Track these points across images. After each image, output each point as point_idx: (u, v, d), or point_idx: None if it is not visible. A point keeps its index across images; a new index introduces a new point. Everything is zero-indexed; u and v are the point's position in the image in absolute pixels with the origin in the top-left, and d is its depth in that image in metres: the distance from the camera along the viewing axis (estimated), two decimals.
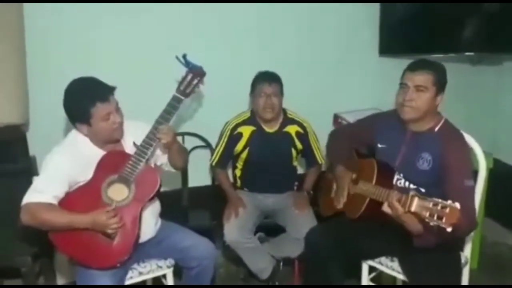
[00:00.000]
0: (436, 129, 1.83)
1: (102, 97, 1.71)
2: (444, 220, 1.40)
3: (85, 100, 1.70)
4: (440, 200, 1.44)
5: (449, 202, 1.41)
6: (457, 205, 1.40)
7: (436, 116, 1.85)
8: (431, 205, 1.44)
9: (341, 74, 3.04)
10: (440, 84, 1.79)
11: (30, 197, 1.70)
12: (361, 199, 1.86)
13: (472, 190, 1.75)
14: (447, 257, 1.78)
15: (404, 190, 1.67)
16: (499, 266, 2.72)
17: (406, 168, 1.87)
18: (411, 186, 1.85)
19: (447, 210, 1.40)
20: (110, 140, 1.82)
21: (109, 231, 1.72)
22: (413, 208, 1.50)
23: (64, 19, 2.48)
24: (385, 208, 1.64)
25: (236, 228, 2.30)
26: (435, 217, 1.42)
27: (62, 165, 1.74)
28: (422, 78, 1.76)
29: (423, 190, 1.80)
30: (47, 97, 2.42)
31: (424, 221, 1.47)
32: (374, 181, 1.83)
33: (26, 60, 2.33)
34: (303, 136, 2.47)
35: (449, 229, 1.40)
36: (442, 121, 1.85)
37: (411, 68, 1.81)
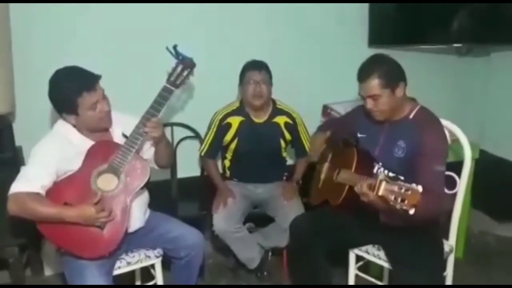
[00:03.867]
0: (411, 116, 1.85)
1: (88, 86, 1.70)
2: (406, 202, 1.42)
3: (71, 90, 1.69)
4: (404, 183, 1.46)
5: (413, 185, 1.43)
6: (419, 188, 1.42)
7: (409, 103, 1.87)
8: (396, 188, 1.47)
9: (331, 65, 3.04)
10: (392, 82, 1.77)
11: (18, 186, 1.68)
12: (342, 187, 1.89)
13: (441, 175, 1.76)
14: (430, 245, 1.81)
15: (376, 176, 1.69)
16: (484, 256, 2.76)
17: (385, 156, 1.89)
18: (390, 174, 1.87)
19: (409, 192, 1.42)
20: (98, 129, 1.82)
21: (98, 224, 1.71)
22: (380, 192, 1.53)
23: (50, 8, 2.43)
24: (357, 190, 1.67)
25: (224, 218, 2.30)
26: (399, 200, 1.45)
27: (50, 154, 1.73)
28: (371, 87, 1.77)
29: (401, 178, 1.83)
30: (33, 87, 2.40)
31: (391, 204, 1.49)
32: (353, 169, 1.86)
33: (12, 49, 2.30)
34: (292, 127, 2.48)
35: (411, 211, 1.42)
36: (417, 108, 1.87)
37: (359, 79, 1.82)
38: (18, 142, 2.36)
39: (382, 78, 1.76)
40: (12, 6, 2.27)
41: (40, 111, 2.37)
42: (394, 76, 1.79)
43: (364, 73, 1.80)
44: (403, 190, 1.44)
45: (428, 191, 1.46)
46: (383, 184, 1.52)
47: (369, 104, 1.82)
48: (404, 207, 1.43)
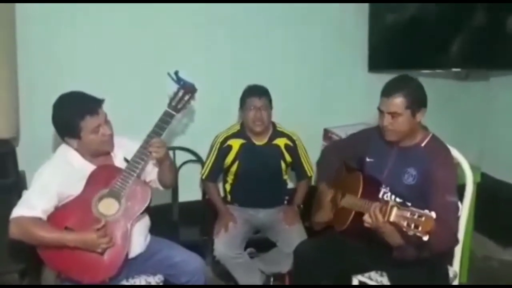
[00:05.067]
0: (423, 144, 1.85)
1: (91, 110, 1.72)
2: (420, 228, 1.42)
3: (74, 114, 1.71)
4: (417, 210, 1.46)
5: (426, 211, 1.44)
6: (433, 214, 1.42)
7: (422, 131, 1.87)
8: (408, 214, 1.46)
9: (331, 90, 3.07)
10: (416, 104, 1.77)
11: (19, 211, 1.69)
12: (347, 212, 1.87)
13: (453, 205, 1.76)
14: (434, 272, 1.79)
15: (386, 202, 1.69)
16: (489, 281, 2.72)
17: (392, 182, 1.89)
18: (397, 199, 1.86)
19: (423, 218, 1.42)
20: (100, 152, 1.83)
21: (99, 250, 1.71)
22: (392, 218, 1.52)
23: (55, 33, 2.48)
24: (366, 218, 1.65)
25: (225, 243, 2.29)
26: (412, 226, 1.44)
27: (52, 179, 1.74)
28: (395, 104, 1.76)
29: (409, 204, 1.82)
30: (37, 111, 2.43)
31: (403, 231, 1.49)
32: (359, 195, 1.85)
33: (18, 75, 2.33)
34: (292, 149, 2.49)
35: (425, 238, 1.42)
36: (429, 137, 1.86)
37: (384, 94, 1.81)
38: (21, 166, 2.37)
39: (407, 98, 1.75)
40: (19, 31, 2.31)
41: (43, 136, 2.39)
42: (418, 99, 1.79)
43: (390, 89, 1.79)
44: (416, 216, 1.43)
45: (442, 221, 1.46)
46: (394, 210, 1.52)
47: (387, 120, 1.79)
48: (418, 234, 1.42)
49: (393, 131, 1.81)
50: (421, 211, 1.44)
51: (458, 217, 1.87)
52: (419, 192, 1.79)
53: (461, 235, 2.01)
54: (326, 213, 2.07)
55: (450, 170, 1.78)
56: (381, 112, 1.83)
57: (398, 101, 1.75)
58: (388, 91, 1.79)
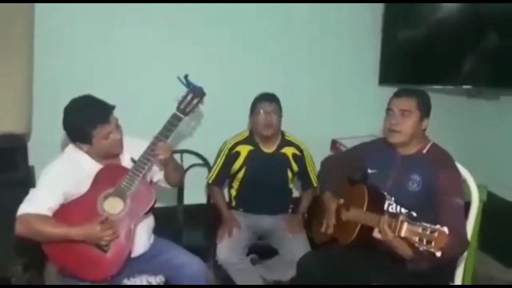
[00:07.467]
0: (424, 151, 1.89)
1: (102, 119, 1.75)
2: (433, 244, 1.41)
3: (86, 122, 1.73)
4: (429, 225, 1.45)
5: (438, 226, 1.43)
6: (445, 229, 1.41)
7: (423, 139, 1.92)
8: (420, 229, 1.45)
9: (341, 101, 3.08)
10: (424, 109, 1.86)
11: (25, 207, 1.71)
12: (353, 226, 1.87)
13: (461, 209, 1.76)
14: (435, 285, 1.78)
15: (396, 215, 1.69)
16: None
17: (397, 191, 1.89)
18: (403, 210, 1.86)
19: (436, 234, 1.41)
20: (110, 155, 1.85)
21: (103, 242, 1.73)
22: (402, 233, 1.51)
23: (69, 34, 2.53)
24: (376, 233, 1.66)
25: (228, 248, 2.30)
26: (424, 242, 1.43)
27: (59, 177, 1.77)
28: (406, 103, 1.85)
29: (414, 214, 1.82)
30: (49, 108, 2.46)
31: (414, 245, 1.48)
32: (365, 208, 1.85)
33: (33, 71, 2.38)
34: (300, 158, 2.50)
35: (438, 254, 1.41)
36: (430, 144, 1.91)
37: (396, 94, 1.91)
38: (31, 162, 2.40)
39: (419, 101, 1.85)
40: (36, 30, 2.36)
41: (54, 133, 2.41)
42: (428, 107, 1.89)
43: (405, 91, 1.90)
44: (428, 232, 1.42)
45: (453, 230, 1.46)
46: (405, 225, 1.51)
47: (396, 119, 1.84)
48: (431, 250, 1.41)
49: (399, 132, 1.85)
50: (433, 226, 1.42)
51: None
52: (424, 199, 1.80)
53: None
54: (331, 223, 2.06)
55: (454, 173, 1.82)
56: (390, 111, 1.88)
57: (411, 101, 1.85)
58: (401, 92, 1.90)
